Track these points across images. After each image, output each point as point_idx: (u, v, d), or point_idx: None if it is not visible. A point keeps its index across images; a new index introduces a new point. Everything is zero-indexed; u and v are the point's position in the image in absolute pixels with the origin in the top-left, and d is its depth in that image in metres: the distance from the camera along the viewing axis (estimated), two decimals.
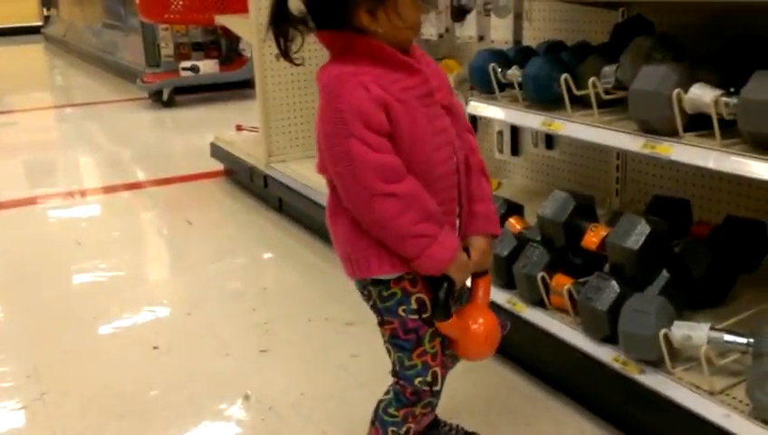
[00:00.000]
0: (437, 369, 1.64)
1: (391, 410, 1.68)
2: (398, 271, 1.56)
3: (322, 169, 1.59)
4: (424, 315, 1.59)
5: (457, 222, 1.63)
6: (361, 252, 1.55)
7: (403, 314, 1.59)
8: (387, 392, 1.71)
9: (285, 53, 1.57)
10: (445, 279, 1.55)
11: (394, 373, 1.68)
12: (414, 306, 1.58)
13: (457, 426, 1.97)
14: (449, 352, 1.69)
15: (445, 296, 1.55)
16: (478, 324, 1.62)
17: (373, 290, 1.61)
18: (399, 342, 1.62)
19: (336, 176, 1.50)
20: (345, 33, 1.50)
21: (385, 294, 1.59)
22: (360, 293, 1.66)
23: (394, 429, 1.69)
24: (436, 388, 1.65)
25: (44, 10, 14.47)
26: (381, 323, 1.64)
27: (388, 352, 1.67)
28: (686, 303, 2.03)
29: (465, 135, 1.67)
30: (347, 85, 1.45)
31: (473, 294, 1.66)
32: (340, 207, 1.56)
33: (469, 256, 1.61)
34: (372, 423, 1.74)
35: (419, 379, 1.63)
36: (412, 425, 1.70)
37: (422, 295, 1.58)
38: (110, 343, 2.71)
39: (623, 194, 2.86)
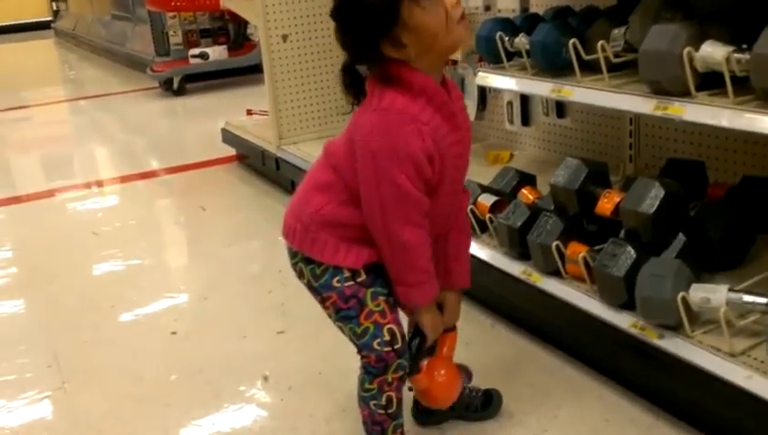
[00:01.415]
0: (392, 326, 1.66)
1: (366, 385, 1.70)
2: (357, 266, 1.63)
3: (336, 154, 1.63)
4: (358, 279, 1.64)
5: None
6: (333, 238, 1.62)
7: (338, 284, 1.64)
8: (359, 372, 1.73)
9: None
10: (417, 335, 1.69)
11: (357, 350, 1.70)
12: (347, 274, 1.63)
13: (474, 387, 2.00)
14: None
15: (416, 351, 1.69)
16: (442, 376, 1.77)
17: (305, 268, 1.67)
18: (344, 313, 1.66)
19: (377, 193, 1.53)
20: (387, 65, 1.52)
21: (318, 271, 1.65)
22: (292, 268, 1.72)
23: (374, 402, 1.71)
24: (398, 346, 1.66)
25: (53, 5, 14.50)
26: (322, 302, 1.68)
27: (341, 330, 1.70)
28: (704, 265, 2.00)
29: (460, 196, 1.76)
30: (408, 127, 1.51)
31: (438, 348, 1.78)
32: (334, 191, 1.62)
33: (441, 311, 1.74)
34: (359, 406, 1.76)
35: (377, 341, 1.65)
36: (392, 393, 1.71)
37: (351, 266, 1.63)
38: (128, 331, 2.72)
39: (637, 160, 2.82)
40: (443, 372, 1.76)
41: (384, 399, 1.70)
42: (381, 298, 1.65)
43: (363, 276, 1.64)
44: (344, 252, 1.62)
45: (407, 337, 1.70)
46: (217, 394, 2.25)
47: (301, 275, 1.71)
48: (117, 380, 2.37)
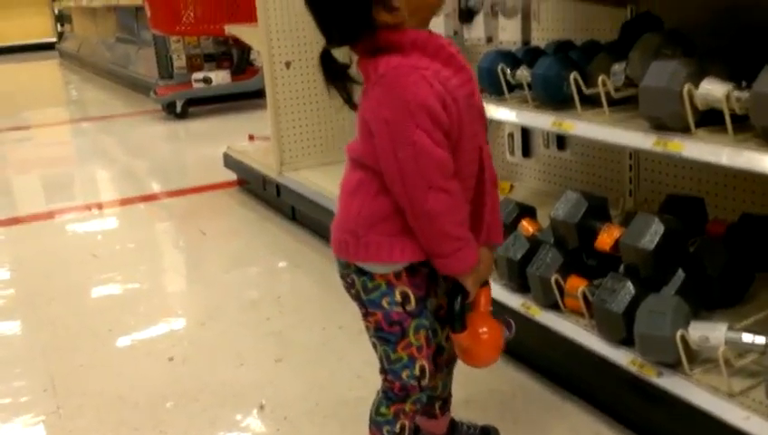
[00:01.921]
0: (424, 362, 1.64)
1: (382, 410, 1.68)
2: (419, 258, 1.56)
3: (356, 149, 1.57)
4: (408, 308, 1.60)
5: None
6: (382, 236, 1.55)
7: (387, 305, 1.59)
8: (377, 394, 1.71)
9: (349, 100, 1.56)
10: (459, 291, 1.59)
11: (382, 370, 1.68)
12: (398, 299, 1.59)
13: (472, 423, 1.99)
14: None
15: (460, 308, 1.60)
16: (485, 332, 1.65)
17: (357, 279, 1.61)
18: (384, 334, 1.62)
19: (395, 162, 1.47)
20: (378, 34, 1.47)
21: (369, 285, 1.59)
22: (341, 278, 1.66)
23: (388, 428, 1.69)
24: (424, 382, 1.65)
25: (59, 26, 14.63)
26: (365, 316, 1.64)
27: (375, 346, 1.68)
28: (703, 303, 2.00)
29: (485, 145, 1.66)
30: (410, 78, 1.44)
31: (475, 303, 1.67)
32: (365, 186, 1.55)
33: None
34: (370, 429, 1.73)
35: (407, 372, 1.63)
36: (406, 422, 1.69)
37: (406, 289, 1.59)
38: (125, 356, 2.71)
39: (637, 194, 2.83)
40: (485, 328, 1.65)
41: (398, 426, 1.69)
42: (423, 332, 1.62)
43: (413, 305, 1.60)
44: (400, 248, 1.54)
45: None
46: (213, 422, 2.23)
47: (351, 286, 1.65)
48: (112, 405, 2.35)
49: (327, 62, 1.53)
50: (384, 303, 1.59)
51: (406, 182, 1.47)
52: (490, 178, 1.65)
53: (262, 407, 2.29)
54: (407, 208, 1.50)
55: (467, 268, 1.56)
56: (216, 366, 2.56)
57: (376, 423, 1.71)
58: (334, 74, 1.53)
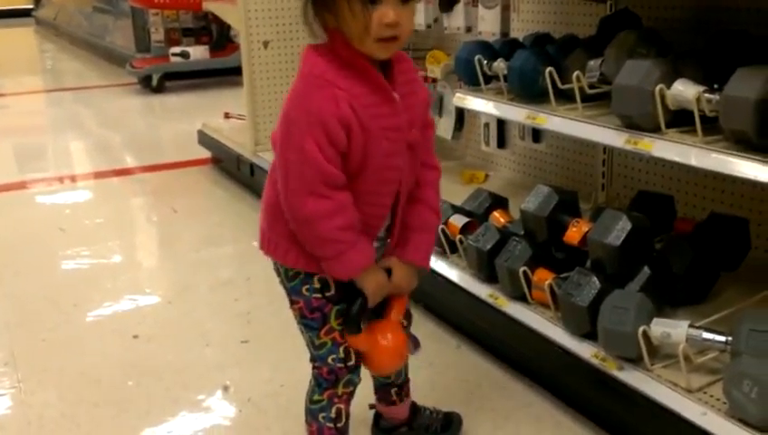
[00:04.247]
0: (348, 345, 1.66)
1: (315, 397, 1.70)
2: (311, 269, 1.60)
3: (275, 135, 1.57)
4: (327, 294, 1.62)
5: (376, 244, 1.65)
6: (280, 238, 1.59)
7: (307, 293, 1.63)
8: (309, 384, 1.73)
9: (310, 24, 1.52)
10: (359, 295, 1.60)
11: (311, 359, 1.70)
12: (317, 286, 1.62)
13: (435, 408, 2.01)
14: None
15: (357, 311, 1.61)
16: (386, 340, 1.67)
17: (280, 268, 1.66)
18: (307, 321, 1.66)
19: (283, 160, 1.49)
20: (325, 20, 1.48)
21: (290, 273, 1.63)
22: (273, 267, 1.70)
23: (323, 414, 1.70)
24: (350, 363, 1.67)
25: None
26: (291, 304, 1.68)
27: (302, 333, 1.70)
28: (667, 300, 2.02)
29: (425, 171, 1.68)
30: (322, 92, 1.45)
31: (385, 312, 1.70)
32: (272, 180, 1.58)
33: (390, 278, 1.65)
34: (306, 421, 1.74)
35: (332, 356, 1.66)
36: (341, 406, 1.71)
37: (324, 276, 1.61)
38: (89, 332, 2.69)
39: (609, 189, 2.85)
40: (389, 336, 1.67)
41: (334, 411, 1.70)
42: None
43: (332, 291, 1.63)
44: (294, 255, 1.58)
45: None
46: (175, 402, 2.23)
47: (278, 274, 1.69)
48: (74, 382, 2.33)
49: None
50: (304, 290, 1.63)
51: (288, 183, 1.49)
52: (424, 202, 1.68)
53: (226, 388, 2.28)
54: (287, 212, 1.52)
55: (352, 271, 1.56)
56: (182, 346, 2.55)
57: (311, 412, 1.72)
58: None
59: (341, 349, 1.66)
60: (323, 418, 1.70)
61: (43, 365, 2.43)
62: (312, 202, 1.48)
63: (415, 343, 1.76)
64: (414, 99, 1.58)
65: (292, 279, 1.64)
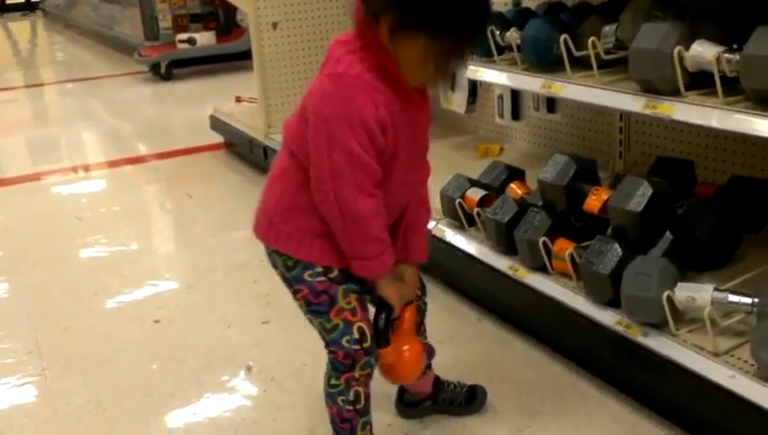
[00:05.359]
0: (362, 324, 1.64)
1: (333, 381, 1.69)
2: (335, 265, 1.61)
3: (291, 131, 1.60)
4: (331, 275, 1.62)
5: None
6: (302, 234, 1.59)
7: (309, 278, 1.62)
8: (326, 368, 1.72)
9: None
10: (384, 309, 1.65)
11: (325, 344, 1.69)
12: (319, 269, 1.61)
13: (459, 382, 2.01)
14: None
15: (384, 324, 1.65)
16: (407, 351, 1.72)
17: (278, 259, 1.65)
18: (314, 307, 1.65)
19: (328, 161, 1.49)
20: (375, 29, 1.48)
21: (290, 263, 1.63)
22: (268, 258, 1.69)
23: (342, 398, 1.69)
24: (366, 344, 1.65)
25: None
26: (294, 294, 1.67)
27: (311, 322, 1.69)
28: (691, 264, 2.00)
29: (420, 169, 1.71)
30: (361, 94, 1.48)
31: (399, 322, 1.72)
32: (289, 174, 1.60)
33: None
34: (326, 403, 1.74)
35: (346, 338, 1.64)
36: (360, 389, 1.70)
37: (319, 263, 1.62)
38: (111, 318, 2.70)
39: (627, 156, 2.82)
40: (407, 347, 1.72)
41: (352, 394, 1.69)
42: (353, 296, 1.64)
43: (336, 272, 1.62)
44: (318, 250, 1.59)
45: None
46: (199, 384, 2.24)
47: (275, 266, 1.69)
48: (98, 368, 2.35)
49: None
50: (306, 276, 1.62)
51: (337, 182, 1.50)
52: (420, 197, 1.73)
53: (249, 368, 2.29)
54: (332, 210, 1.52)
55: (383, 272, 1.60)
56: (203, 328, 2.56)
57: (330, 396, 1.71)
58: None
59: (355, 328, 1.63)
60: (342, 401, 1.70)
61: (67, 353, 2.45)
62: (362, 201, 1.51)
63: (428, 351, 1.82)
64: (427, 109, 1.64)
65: (292, 268, 1.63)
